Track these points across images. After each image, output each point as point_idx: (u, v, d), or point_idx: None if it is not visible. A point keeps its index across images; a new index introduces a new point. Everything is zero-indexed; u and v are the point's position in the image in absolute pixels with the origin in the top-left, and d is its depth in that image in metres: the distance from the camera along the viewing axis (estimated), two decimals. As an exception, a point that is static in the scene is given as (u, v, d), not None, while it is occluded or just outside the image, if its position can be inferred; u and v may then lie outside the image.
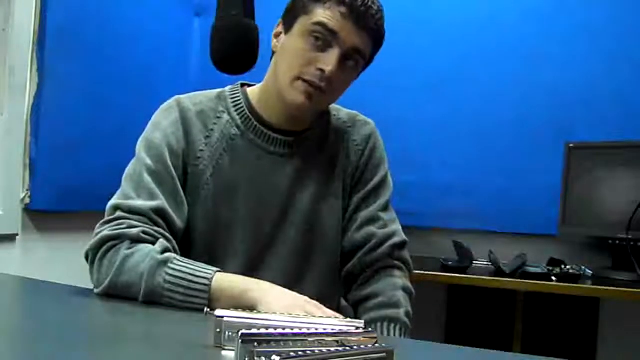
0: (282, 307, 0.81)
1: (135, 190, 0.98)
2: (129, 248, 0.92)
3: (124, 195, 0.98)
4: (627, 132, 1.87)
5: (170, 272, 0.89)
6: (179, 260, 0.91)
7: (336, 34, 0.96)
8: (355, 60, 1.01)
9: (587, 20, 2.01)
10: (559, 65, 2.03)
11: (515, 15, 2.10)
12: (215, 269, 0.91)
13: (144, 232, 0.93)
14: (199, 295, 0.87)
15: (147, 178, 0.98)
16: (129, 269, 0.90)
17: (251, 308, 0.83)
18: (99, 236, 0.94)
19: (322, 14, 0.96)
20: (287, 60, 1.00)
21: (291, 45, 1.00)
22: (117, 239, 0.93)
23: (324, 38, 0.97)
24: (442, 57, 2.18)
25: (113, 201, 0.98)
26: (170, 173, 1.00)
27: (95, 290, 0.93)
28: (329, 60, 0.96)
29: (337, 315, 0.86)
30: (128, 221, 0.94)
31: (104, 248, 0.93)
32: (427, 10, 2.21)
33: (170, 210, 0.98)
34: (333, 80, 0.98)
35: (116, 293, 0.91)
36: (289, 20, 1.02)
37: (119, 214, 0.96)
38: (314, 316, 0.75)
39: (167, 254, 0.91)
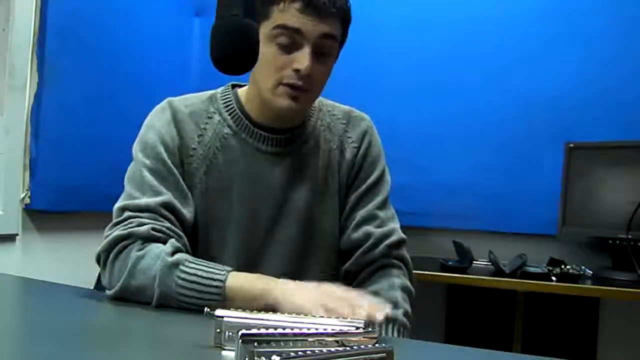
0: (311, 304, 0.80)
1: (139, 189, 0.98)
2: (140, 249, 0.91)
3: (129, 196, 0.98)
4: (627, 132, 1.87)
5: (182, 275, 0.88)
6: (190, 262, 0.90)
7: (299, 30, 0.95)
8: (329, 47, 0.99)
9: (587, 20, 2.01)
10: (559, 65, 2.03)
11: (515, 16, 2.10)
12: (228, 268, 0.89)
13: (154, 229, 0.93)
14: (213, 298, 0.86)
15: (149, 176, 0.98)
16: (140, 271, 0.89)
17: (271, 309, 0.80)
18: (109, 237, 0.93)
19: (279, 16, 0.95)
20: (262, 70, 0.99)
21: (261, 53, 0.98)
22: (128, 238, 0.92)
23: (289, 39, 0.95)
24: (442, 58, 2.18)
25: (119, 203, 0.98)
26: (170, 170, 1.00)
27: (108, 293, 0.93)
28: (302, 59, 0.95)
29: (368, 298, 0.84)
30: (137, 219, 0.94)
31: (116, 249, 0.92)
32: (428, 11, 2.21)
33: (177, 204, 0.98)
34: (313, 76, 0.98)
35: (128, 297, 0.90)
36: None
37: (127, 214, 0.95)
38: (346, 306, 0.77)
39: (177, 256, 0.90)
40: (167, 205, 0.96)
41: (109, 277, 0.93)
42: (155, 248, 0.91)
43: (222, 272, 0.88)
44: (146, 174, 0.99)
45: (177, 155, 1.02)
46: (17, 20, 1.75)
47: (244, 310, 0.70)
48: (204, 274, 0.88)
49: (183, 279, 0.88)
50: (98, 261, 0.96)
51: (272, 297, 0.84)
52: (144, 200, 0.96)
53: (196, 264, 0.90)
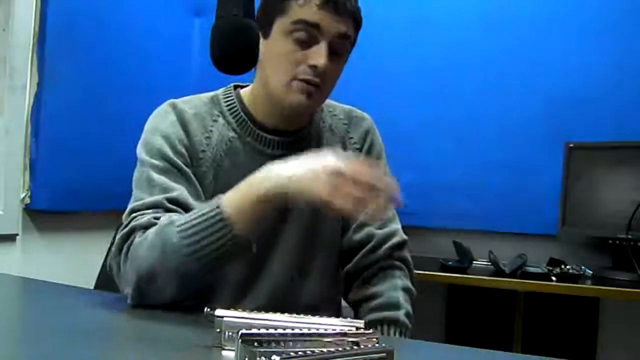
0: (308, 178, 0.79)
1: (147, 190, 0.94)
2: (141, 236, 0.88)
3: (137, 199, 0.95)
4: (627, 132, 1.87)
5: (180, 228, 0.83)
6: (182, 216, 0.86)
7: (318, 26, 0.95)
8: (343, 46, 0.99)
9: (586, 20, 2.01)
10: (559, 65, 2.03)
11: (516, 15, 2.10)
12: (215, 200, 0.85)
13: (156, 218, 0.89)
14: (220, 227, 0.81)
15: (157, 176, 0.95)
16: (145, 256, 0.85)
17: (281, 201, 0.82)
18: (115, 241, 0.91)
19: (299, 11, 0.95)
20: (276, 65, 0.98)
21: (275, 49, 0.98)
22: (131, 234, 0.89)
23: (307, 34, 0.95)
24: (442, 58, 2.18)
25: (127, 208, 0.95)
26: (180, 168, 0.98)
27: (129, 301, 0.88)
28: (319, 55, 0.95)
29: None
30: (141, 215, 0.91)
31: (123, 251, 0.89)
32: (428, 11, 2.21)
33: (189, 199, 0.94)
34: (327, 73, 0.97)
35: (148, 290, 0.86)
36: (264, 24, 0.99)
37: (133, 214, 0.92)
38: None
39: (169, 218, 0.86)
40: (173, 200, 0.93)
41: (124, 281, 0.89)
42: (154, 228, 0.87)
43: (213, 202, 0.84)
44: (154, 174, 0.95)
45: (185, 155, 1.00)
46: (17, 20, 1.75)
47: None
48: (199, 212, 0.84)
49: (182, 230, 0.83)
50: (110, 270, 0.92)
51: (268, 193, 0.82)
52: (151, 199, 0.93)
53: (188, 214, 0.86)
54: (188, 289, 0.88)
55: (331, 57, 0.97)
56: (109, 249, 1.29)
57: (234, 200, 0.84)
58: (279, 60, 0.98)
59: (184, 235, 0.83)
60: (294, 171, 0.81)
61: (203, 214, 0.84)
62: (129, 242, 0.89)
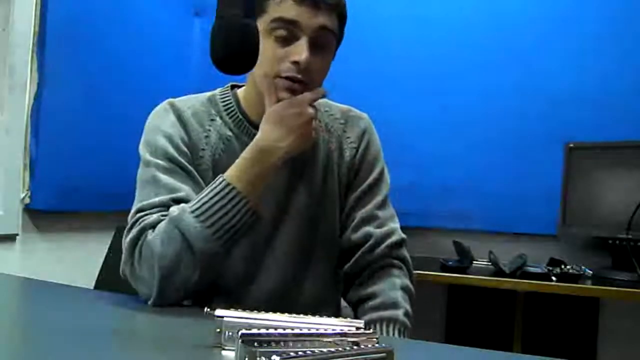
0: (295, 138, 0.95)
1: (154, 190, 0.95)
2: (151, 234, 0.89)
3: (142, 199, 0.95)
4: (627, 132, 1.87)
5: (194, 214, 0.88)
6: (188, 204, 0.90)
7: (296, 22, 0.95)
8: (326, 39, 0.99)
9: (586, 20, 2.01)
10: (559, 65, 2.03)
11: (516, 15, 2.11)
12: (219, 180, 0.92)
13: (163, 216, 0.91)
14: (236, 200, 0.90)
15: (164, 176, 0.96)
16: (165, 247, 0.87)
17: (273, 159, 0.94)
18: (125, 245, 0.91)
19: (277, 9, 0.95)
20: (261, 64, 0.97)
21: (259, 48, 1.00)
22: (141, 234, 0.90)
23: (287, 31, 0.95)
24: (442, 57, 2.18)
25: (133, 208, 0.96)
26: (185, 167, 0.98)
27: (149, 302, 0.89)
28: (300, 51, 0.95)
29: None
30: (148, 216, 0.92)
31: (136, 253, 0.90)
32: (427, 10, 2.21)
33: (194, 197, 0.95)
34: (311, 69, 0.97)
35: (170, 286, 0.88)
36: None
37: (138, 214, 0.93)
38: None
39: (177, 208, 0.89)
40: (179, 200, 0.93)
41: (140, 283, 0.90)
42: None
43: (218, 183, 0.91)
44: (160, 174, 0.96)
45: (189, 154, 1.00)
46: (17, 20, 1.75)
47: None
48: (210, 194, 0.90)
49: (199, 214, 0.88)
50: (124, 275, 0.93)
51: (263, 161, 0.94)
52: (157, 199, 0.94)
53: (196, 199, 0.91)
54: (211, 272, 0.92)
55: (314, 52, 0.96)
56: (109, 249, 1.29)
57: (239, 178, 0.92)
58: (262, 59, 0.97)
59: (203, 219, 0.88)
60: (281, 138, 0.94)
61: (215, 195, 0.90)
62: (140, 242, 0.90)
